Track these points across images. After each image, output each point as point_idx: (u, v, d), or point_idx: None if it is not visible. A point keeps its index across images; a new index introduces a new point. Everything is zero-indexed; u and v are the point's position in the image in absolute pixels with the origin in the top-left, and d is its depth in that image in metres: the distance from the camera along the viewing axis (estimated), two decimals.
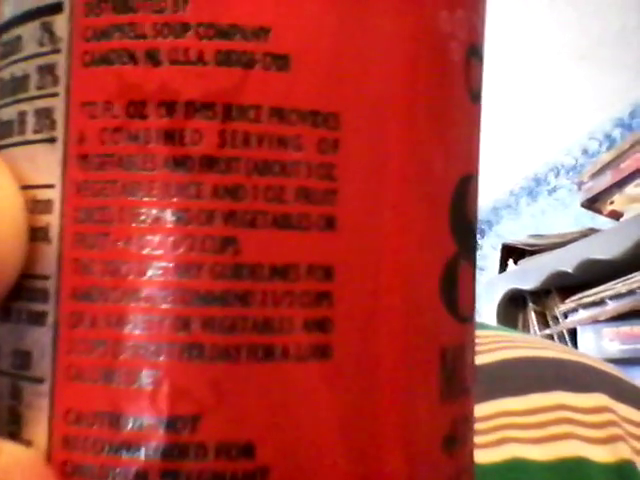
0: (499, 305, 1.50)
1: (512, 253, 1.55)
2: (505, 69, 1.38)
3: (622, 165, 1.29)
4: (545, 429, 0.28)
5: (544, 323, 1.44)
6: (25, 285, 0.10)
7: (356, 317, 0.10)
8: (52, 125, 0.10)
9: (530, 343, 0.33)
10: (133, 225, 0.09)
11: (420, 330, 0.10)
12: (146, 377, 0.09)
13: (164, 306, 0.09)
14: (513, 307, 1.50)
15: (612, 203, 1.32)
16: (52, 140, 0.10)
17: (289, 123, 0.09)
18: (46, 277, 0.10)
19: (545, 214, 1.86)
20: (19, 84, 0.10)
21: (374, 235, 0.10)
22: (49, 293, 0.09)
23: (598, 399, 0.29)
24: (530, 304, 1.47)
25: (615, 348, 1.23)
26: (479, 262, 2.06)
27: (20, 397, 0.10)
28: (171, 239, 0.09)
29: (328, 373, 0.09)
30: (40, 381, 0.09)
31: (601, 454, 0.28)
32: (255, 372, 0.09)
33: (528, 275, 1.41)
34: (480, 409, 0.29)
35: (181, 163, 0.09)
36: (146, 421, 0.09)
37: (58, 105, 0.10)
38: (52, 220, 0.10)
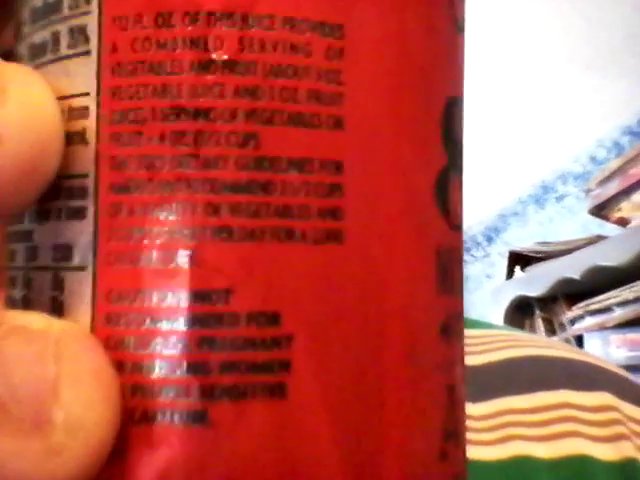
0: (506, 312, 1.50)
1: (519, 260, 1.55)
2: (513, 77, 1.39)
3: (630, 172, 1.29)
4: (550, 427, 0.28)
5: (551, 330, 1.44)
6: (63, 185, 0.11)
7: (363, 208, 0.11)
8: (86, 40, 0.11)
9: (536, 342, 0.34)
10: (164, 123, 0.10)
11: (419, 227, 0.12)
12: (182, 257, 0.10)
13: (196, 195, 0.10)
14: (520, 314, 1.50)
15: (619, 210, 1.32)
16: (87, 53, 0.11)
17: (299, 31, 0.10)
18: (84, 175, 0.11)
19: (552, 221, 1.86)
20: (53, 8, 0.11)
21: (377, 136, 0.11)
22: (88, 189, 0.10)
23: (603, 398, 0.30)
24: (537, 311, 1.47)
25: (622, 355, 1.23)
26: (486, 269, 2.06)
27: (62, 287, 0.11)
28: (199, 135, 0.10)
29: (341, 256, 0.11)
30: (82, 269, 0.10)
31: (606, 452, 0.28)
32: (278, 251, 0.10)
33: (535, 282, 1.42)
34: (486, 407, 0.29)
35: (205, 66, 0.10)
36: (183, 295, 0.10)
37: (91, 22, 0.11)
38: (88, 124, 0.11)
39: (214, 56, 0.10)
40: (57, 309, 0.11)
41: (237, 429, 0.10)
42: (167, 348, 0.10)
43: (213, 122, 0.10)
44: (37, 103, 0.10)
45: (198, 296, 0.10)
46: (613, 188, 1.32)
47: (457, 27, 0.13)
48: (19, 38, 0.12)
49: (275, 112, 0.10)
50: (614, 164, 1.36)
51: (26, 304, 0.11)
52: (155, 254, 0.10)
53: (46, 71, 0.11)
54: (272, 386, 0.10)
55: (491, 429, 0.28)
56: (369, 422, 0.11)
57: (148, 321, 0.10)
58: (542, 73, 1.45)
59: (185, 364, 0.10)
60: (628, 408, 0.30)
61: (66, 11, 0.11)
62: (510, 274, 1.57)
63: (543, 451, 0.27)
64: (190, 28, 0.10)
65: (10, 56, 0.12)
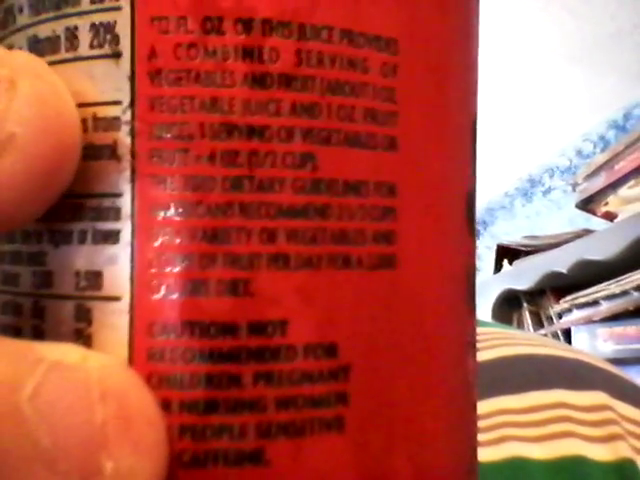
0: (494, 305, 1.50)
1: (507, 254, 1.56)
2: (500, 71, 1.39)
3: (616, 167, 1.29)
4: (544, 427, 0.28)
5: (538, 323, 1.45)
6: (88, 205, 0.10)
7: (416, 231, 0.10)
8: (115, 40, 0.09)
9: (529, 340, 0.33)
10: (215, 141, 0.09)
11: (457, 249, 0.11)
12: (235, 287, 0.09)
13: (250, 220, 0.09)
14: (508, 307, 1.51)
15: (606, 204, 1.33)
16: (116, 55, 0.09)
17: (357, 45, 0.10)
18: (116, 194, 0.09)
19: (540, 215, 1.86)
20: None
21: (427, 156, 0.11)
22: (121, 210, 0.09)
23: (597, 397, 0.29)
24: (525, 304, 1.48)
25: (609, 348, 1.24)
26: None
27: (89, 318, 0.10)
28: (254, 155, 0.09)
29: (395, 281, 0.10)
30: (116, 299, 0.09)
31: (601, 452, 0.28)
32: (335, 279, 0.10)
33: (523, 275, 1.42)
34: (479, 407, 0.29)
35: (260, 80, 0.09)
36: (236, 327, 0.09)
37: (122, 20, 0.09)
38: (120, 137, 0.09)
39: (269, 69, 0.09)
40: (84, 343, 0.10)
41: (295, 467, 0.09)
42: (219, 386, 0.09)
43: (268, 141, 0.09)
44: (54, 101, 0.09)
45: (253, 328, 0.09)
46: (600, 182, 1.33)
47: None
48: (8, 26, 0.10)
49: (332, 132, 0.10)
50: (600, 158, 1.37)
51: (39, 335, 0.10)
52: (204, 284, 0.09)
53: (60, 71, 0.10)
54: (330, 420, 0.10)
55: (485, 430, 0.28)
56: (423, 448, 0.10)
57: (197, 357, 0.09)
58: (529, 67, 1.45)
59: (240, 402, 0.09)
60: (623, 407, 0.30)
61: (86, 4, 0.10)
62: (498, 268, 1.58)
63: (538, 452, 0.27)
64: (243, 36, 0.09)
65: None
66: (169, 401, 0.09)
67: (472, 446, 0.12)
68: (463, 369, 0.11)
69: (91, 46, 0.10)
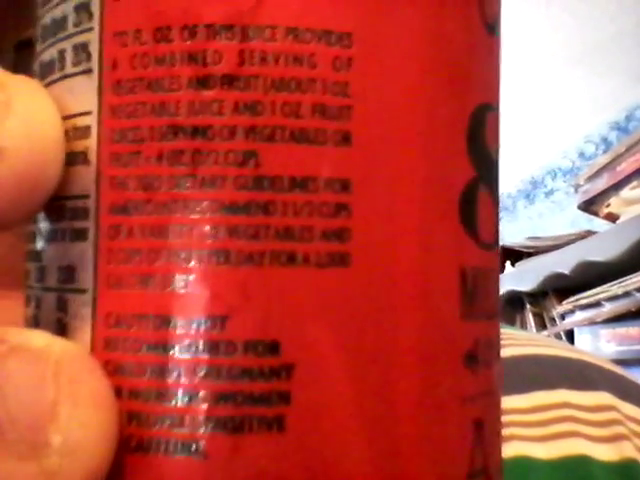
0: None
1: (510, 255, 1.56)
2: (502, 74, 1.39)
3: (618, 168, 1.29)
4: (549, 427, 0.28)
5: (541, 324, 1.45)
6: (67, 206, 0.11)
7: (373, 228, 0.10)
8: (88, 57, 0.10)
9: (534, 341, 0.33)
10: (162, 142, 0.10)
11: (438, 246, 0.11)
12: (179, 281, 0.10)
13: (193, 216, 0.10)
14: (511, 308, 1.51)
15: (608, 206, 1.33)
16: (89, 71, 0.10)
17: (304, 41, 0.10)
18: (86, 196, 0.10)
19: (542, 216, 1.86)
20: (59, 25, 0.11)
21: (389, 151, 0.10)
22: (89, 210, 0.10)
23: (602, 397, 0.29)
24: (527, 306, 1.48)
25: (612, 349, 1.24)
26: None
27: (66, 309, 0.10)
28: (197, 154, 0.10)
29: (346, 280, 0.10)
30: (83, 291, 0.10)
31: (605, 452, 0.27)
32: (279, 276, 0.10)
33: (525, 277, 1.42)
34: None
35: (204, 82, 0.10)
36: (179, 321, 0.10)
37: (93, 38, 0.10)
38: (90, 143, 0.10)
39: (212, 71, 0.10)
40: (61, 331, 0.10)
41: (232, 462, 0.09)
42: (162, 376, 0.10)
43: (211, 140, 0.10)
44: (42, 118, 0.10)
45: (194, 322, 0.10)
46: (602, 184, 1.33)
47: (487, 27, 0.12)
48: (35, 56, 0.12)
49: (276, 128, 0.10)
50: (602, 160, 1.37)
51: (36, 323, 0.11)
52: (152, 278, 0.10)
53: (53, 89, 0.11)
54: (270, 419, 0.10)
55: None
56: (377, 463, 0.10)
57: (145, 347, 0.10)
58: (531, 69, 1.45)
59: (180, 393, 0.10)
60: (627, 408, 0.29)
61: (70, 28, 0.11)
62: (501, 269, 1.58)
63: (542, 451, 0.27)
64: (188, 42, 0.10)
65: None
66: (120, 388, 0.10)
67: (469, 468, 0.11)
68: (450, 381, 0.11)
69: (73, 64, 0.11)
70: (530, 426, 0.28)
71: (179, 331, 0.10)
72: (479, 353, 0.11)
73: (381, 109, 0.10)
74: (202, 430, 0.10)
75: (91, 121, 0.10)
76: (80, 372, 0.10)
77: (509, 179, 1.86)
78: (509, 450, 0.27)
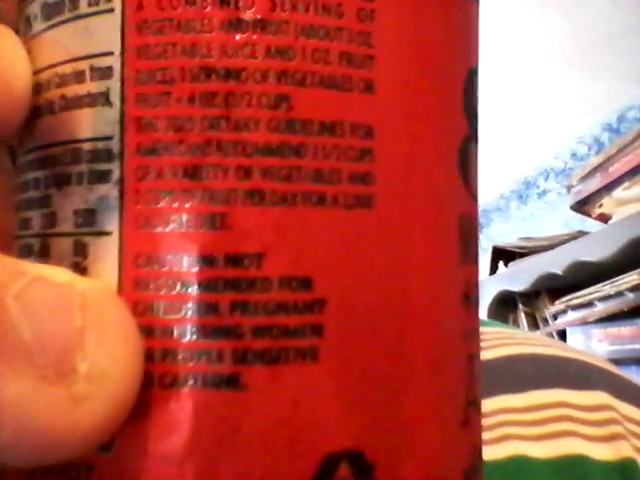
0: (489, 306, 1.51)
1: (502, 255, 1.56)
2: (495, 74, 1.40)
3: (610, 169, 1.30)
4: (546, 426, 0.28)
5: (534, 324, 1.45)
6: (85, 148, 0.10)
7: (394, 173, 0.11)
8: None
9: (531, 340, 0.33)
10: (194, 84, 0.10)
11: (445, 195, 0.11)
12: (214, 221, 0.10)
13: (227, 158, 0.10)
14: (503, 309, 1.52)
15: (601, 206, 1.33)
16: (109, 11, 0.10)
17: None
18: (108, 137, 0.10)
19: (535, 217, 1.87)
20: None
21: (407, 101, 0.11)
22: (113, 151, 0.10)
23: (599, 397, 0.29)
24: (520, 306, 1.48)
25: (604, 349, 1.25)
26: None
27: (85, 252, 0.10)
28: (230, 96, 0.10)
29: (371, 221, 0.10)
30: (107, 234, 0.10)
31: (602, 452, 0.27)
32: (310, 216, 0.10)
33: (518, 277, 1.43)
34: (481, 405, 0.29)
35: (236, 25, 0.10)
36: (214, 259, 0.10)
37: None
38: (112, 84, 0.10)
39: (245, 15, 0.10)
40: (81, 274, 0.10)
41: (269, 393, 0.10)
42: (199, 313, 0.10)
43: (244, 83, 0.10)
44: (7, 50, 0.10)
45: (230, 260, 0.10)
46: (594, 184, 1.34)
47: None
48: None
49: (307, 74, 0.10)
50: (595, 160, 1.38)
51: None
52: (185, 218, 0.10)
53: (64, 30, 0.11)
54: (305, 350, 0.10)
55: (487, 428, 0.27)
56: (397, 385, 0.11)
57: (179, 286, 0.10)
58: (524, 71, 1.46)
59: (218, 329, 0.10)
60: (624, 407, 0.30)
61: None
62: (493, 269, 1.58)
63: (539, 451, 0.27)
64: None
65: None
66: (153, 327, 0.10)
67: (466, 397, 0.12)
68: (453, 317, 0.11)
69: (89, 4, 0.11)
70: (527, 425, 0.28)
71: (215, 269, 0.10)
72: (471, 294, 0.12)
73: (399, 61, 0.11)
74: (240, 363, 0.10)
75: (113, 62, 0.10)
76: (106, 305, 0.10)
77: (502, 180, 1.87)
78: (506, 449, 0.27)
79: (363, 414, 0.10)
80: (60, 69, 0.11)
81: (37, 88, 0.11)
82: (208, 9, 0.10)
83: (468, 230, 0.12)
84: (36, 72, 0.11)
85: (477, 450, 0.12)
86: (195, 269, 0.10)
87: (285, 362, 0.10)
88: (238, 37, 0.10)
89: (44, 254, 0.11)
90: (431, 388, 0.11)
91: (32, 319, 0.09)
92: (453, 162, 0.12)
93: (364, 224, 0.10)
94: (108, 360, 0.09)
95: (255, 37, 0.10)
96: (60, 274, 0.10)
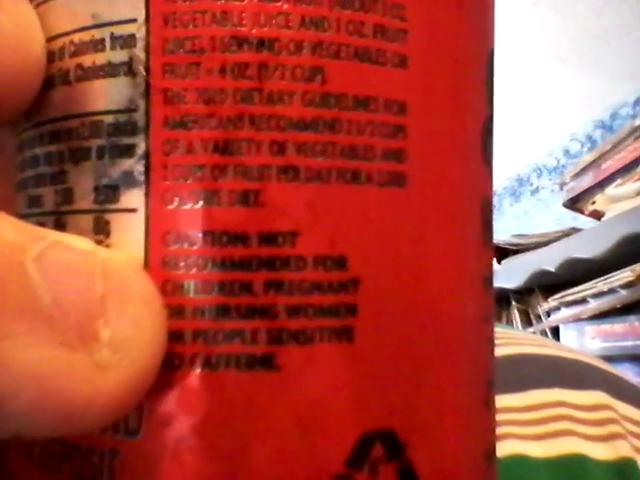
0: None
1: (496, 252, 1.57)
2: None
3: (603, 166, 1.30)
4: (545, 426, 0.28)
5: (527, 321, 1.46)
6: (106, 121, 0.10)
7: (425, 151, 0.10)
8: None
9: (530, 340, 0.33)
10: (225, 54, 0.09)
11: (471, 176, 0.11)
12: (247, 198, 0.09)
13: (260, 132, 0.09)
14: (497, 306, 1.52)
15: (594, 203, 1.34)
16: None
17: None
18: (132, 109, 0.10)
19: (528, 214, 1.87)
20: None
21: (439, 78, 0.11)
22: (137, 125, 0.10)
23: (598, 397, 0.29)
24: (513, 303, 1.49)
25: (597, 346, 1.25)
26: None
27: (107, 230, 0.10)
28: (263, 67, 0.09)
29: (404, 199, 0.10)
30: (132, 211, 0.10)
31: (601, 451, 0.27)
32: (345, 193, 0.10)
33: (511, 274, 1.43)
34: None
35: None
36: (247, 237, 0.09)
37: None
38: (136, 53, 0.10)
39: None
40: None
41: (304, 373, 0.10)
42: (232, 292, 0.09)
43: (278, 54, 0.10)
44: (26, 19, 0.10)
45: (263, 238, 0.09)
46: (587, 181, 1.34)
47: None
48: None
49: (341, 46, 0.10)
50: (588, 158, 1.38)
51: None
52: (218, 194, 0.09)
53: None
54: (339, 330, 0.10)
55: None
56: (428, 365, 0.11)
57: (210, 264, 0.09)
58: (517, 68, 1.46)
59: (252, 309, 0.09)
60: (623, 407, 0.30)
61: None
62: None
63: (538, 450, 0.27)
64: None
65: None
66: (183, 307, 0.09)
67: (488, 378, 0.12)
68: (477, 300, 0.11)
69: None
70: (526, 425, 0.28)
71: (248, 248, 0.09)
72: (491, 277, 0.12)
73: (432, 35, 0.11)
74: (274, 343, 0.09)
75: (136, 30, 0.10)
76: (128, 273, 0.09)
77: (495, 177, 1.87)
78: (505, 448, 0.27)
79: (395, 394, 0.10)
80: (76, 37, 0.10)
81: (49, 57, 0.10)
82: None
83: (489, 213, 0.12)
84: (47, 40, 0.10)
85: (495, 430, 0.12)
86: (227, 247, 0.09)
87: (320, 342, 0.10)
88: (271, 6, 0.10)
89: (60, 231, 0.10)
90: (458, 367, 0.11)
91: (52, 283, 0.09)
92: (477, 143, 0.11)
93: (397, 202, 0.10)
94: (131, 328, 0.09)
95: (289, 6, 0.10)
96: (81, 241, 0.09)
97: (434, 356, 0.11)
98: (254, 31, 0.09)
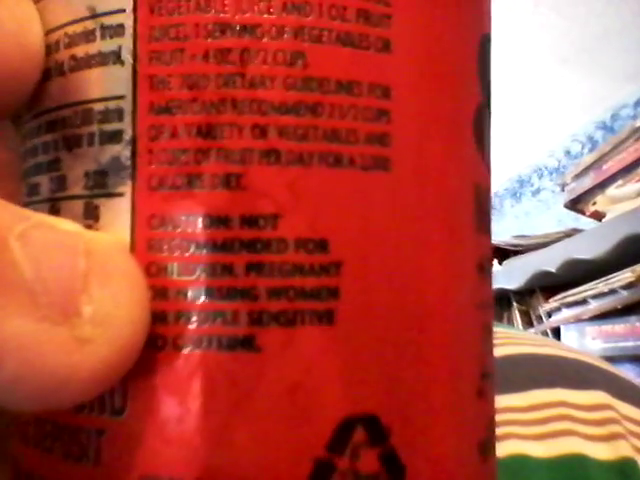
0: None
1: (496, 253, 1.56)
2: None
3: (604, 167, 1.30)
4: (546, 426, 0.28)
5: (528, 322, 1.46)
6: (96, 109, 0.10)
7: (410, 135, 0.10)
8: None
9: (531, 340, 0.33)
10: (208, 40, 0.10)
11: (461, 162, 0.11)
12: (229, 181, 0.10)
13: (242, 116, 0.10)
14: (498, 306, 1.52)
15: (594, 204, 1.34)
16: None
17: None
18: (120, 97, 0.10)
19: (529, 215, 1.87)
20: None
21: (423, 62, 0.11)
22: (124, 111, 0.10)
23: (598, 397, 0.29)
24: (514, 303, 1.49)
25: (597, 346, 1.25)
26: None
27: (96, 215, 0.10)
28: (246, 52, 0.10)
29: (387, 184, 0.10)
30: (119, 195, 0.10)
31: (601, 451, 0.28)
32: (327, 177, 0.10)
33: (512, 275, 1.43)
34: None
35: None
36: (229, 220, 0.10)
37: None
38: (124, 42, 0.10)
39: None
40: None
41: (285, 355, 0.10)
42: (213, 275, 0.10)
43: (260, 39, 0.10)
44: (26, 15, 0.10)
45: (245, 221, 0.10)
46: (588, 182, 1.34)
47: None
48: None
49: (323, 30, 0.10)
50: (589, 158, 1.38)
51: None
52: (201, 178, 0.10)
53: None
54: (321, 313, 0.10)
55: None
56: (413, 351, 0.10)
57: (193, 247, 0.10)
58: (518, 69, 1.46)
59: (233, 290, 0.10)
60: (623, 407, 0.30)
61: None
62: None
63: (539, 450, 0.27)
64: None
65: None
66: (166, 288, 0.10)
67: (481, 368, 0.11)
68: (468, 286, 0.11)
69: None
70: (527, 424, 0.28)
71: (230, 230, 0.10)
72: (485, 264, 0.12)
73: (416, 20, 0.11)
74: (255, 325, 0.10)
75: (124, 19, 0.10)
76: (111, 252, 0.09)
77: (496, 178, 1.87)
78: (506, 448, 0.27)
79: (378, 378, 0.10)
80: (70, 29, 0.11)
81: (47, 50, 0.11)
82: None
83: (483, 199, 0.12)
84: (46, 33, 0.11)
85: (491, 423, 0.12)
86: (210, 230, 0.10)
87: (301, 324, 0.10)
88: None
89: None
90: (446, 355, 0.11)
91: (35, 259, 0.09)
92: (468, 129, 0.11)
93: (380, 186, 0.10)
94: (113, 305, 0.09)
95: None
96: (66, 223, 0.09)
97: (419, 342, 0.11)
98: (237, 17, 0.10)
